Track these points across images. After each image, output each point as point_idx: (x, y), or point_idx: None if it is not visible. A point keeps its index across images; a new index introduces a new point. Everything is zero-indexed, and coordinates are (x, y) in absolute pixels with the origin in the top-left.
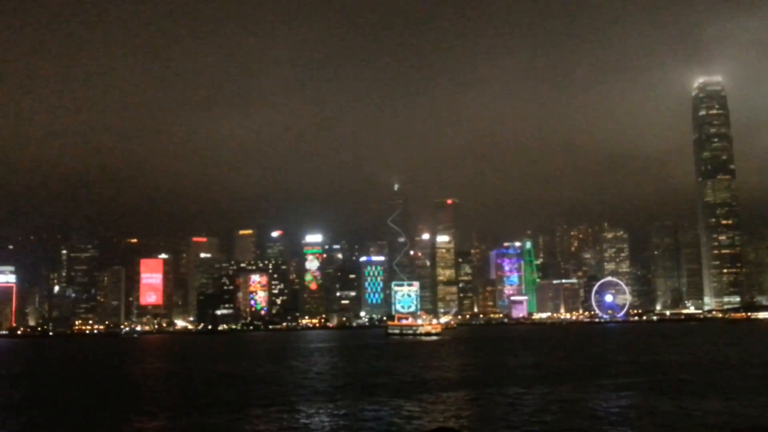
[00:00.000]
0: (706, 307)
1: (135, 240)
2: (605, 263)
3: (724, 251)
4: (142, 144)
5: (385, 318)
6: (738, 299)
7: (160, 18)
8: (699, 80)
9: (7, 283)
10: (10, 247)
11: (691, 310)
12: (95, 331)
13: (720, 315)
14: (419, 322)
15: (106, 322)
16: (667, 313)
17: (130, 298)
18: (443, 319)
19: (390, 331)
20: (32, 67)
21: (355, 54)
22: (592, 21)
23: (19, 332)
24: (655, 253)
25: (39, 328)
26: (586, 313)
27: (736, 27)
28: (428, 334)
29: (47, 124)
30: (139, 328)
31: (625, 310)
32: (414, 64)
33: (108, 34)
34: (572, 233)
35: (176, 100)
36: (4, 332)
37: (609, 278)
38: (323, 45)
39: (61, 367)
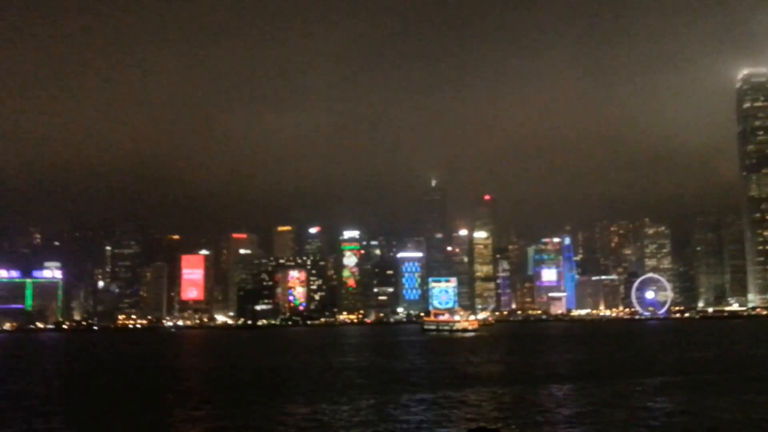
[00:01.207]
0: (750, 304)
1: (177, 236)
2: (646, 259)
3: None
4: (184, 141)
5: (422, 314)
6: None
7: (203, 15)
8: (744, 71)
9: (54, 278)
10: (57, 243)
11: (735, 307)
12: (138, 326)
13: (765, 312)
14: (456, 318)
15: (149, 317)
16: (710, 310)
17: (172, 294)
18: (480, 316)
19: (426, 327)
20: (79, 63)
21: (395, 50)
22: (635, 13)
23: (64, 326)
24: (698, 249)
25: (84, 323)
26: (627, 309)
27: None
28: (465, 330)
29: (93, 122)
30: (180, 322)
31: (666, 307)
32: (454, 59)
33: (153, 31)
34: (612, 229)
35: (218, 98)
36: (50, 326)
37: (650, 274)
38: (364, 42)
39: (105, 361)
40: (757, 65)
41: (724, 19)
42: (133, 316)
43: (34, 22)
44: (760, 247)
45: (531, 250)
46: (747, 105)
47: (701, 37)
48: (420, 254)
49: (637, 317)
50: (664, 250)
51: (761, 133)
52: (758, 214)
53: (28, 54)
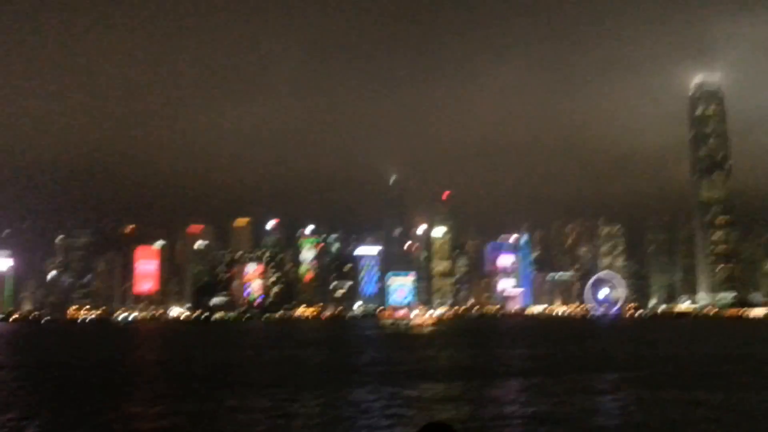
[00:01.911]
0: (701, 303)
1: (131, 227)
2: (601, 258)
3: (718, 247)
4: (140, 132)
5: (381, 308)
6: (732, 295)
7: (163, 7)
8: (697, 79)
9: (3, 268)
10: (7, 231)
11: (686, 305)
12: (89, 318)
13: (713, 312)
14: (413, 314)
15: (101, 309)
16: (659, 310)
17: (125, 286)
18: (438, 311)
19: (382, 322)
20: (31, 53)
21: (356, 46)
22: (595, 18)
23: (12, 318)
24: (651, 249)
25: (34, 314)
26: (581, 307)
27: (736, 27)
28: (422, 325)
29: (46, 111)
30: (133, 315)
31: (619, 305)
32: (415, 57)
33: (115, 19)
34: (568, 227)
35: (176, 90)
36: None
37: (604, 273)
38: (327, 37)
39: (54, 354)
40: (710, 72)
41: (680, 26)
42: (86, 308)
43: None
44: (710, 248)
45: (488, 247)
46: (699, 111)
47: (658, 43)
48: (378, 249)
49: (591, 315)
50: (618, 250)
51: (712, 138)
52: (708, 217)
53: None
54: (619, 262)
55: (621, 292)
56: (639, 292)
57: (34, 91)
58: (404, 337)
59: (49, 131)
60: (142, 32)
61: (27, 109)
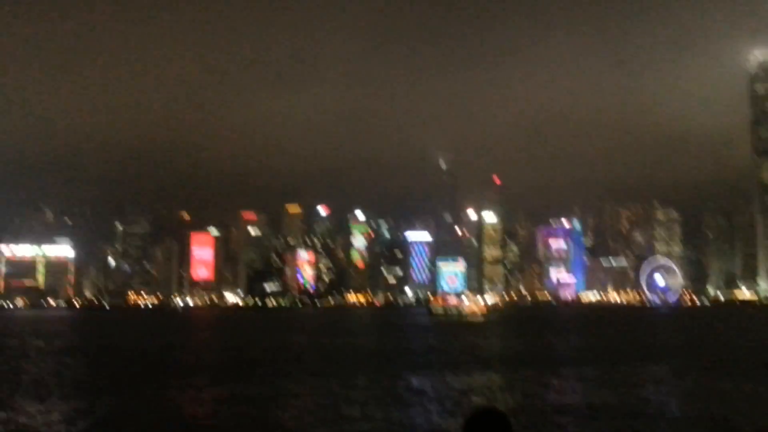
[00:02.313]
0: (761, 290)
1: (186, 215)
2: (656, 243)
3: None
4: (194, 121)
5: (430, 297)
6: None
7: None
8: (757, 56)
9: (65, 256)
10: (68, 220)
11: (745, 293)
12: (148, 304)
13: None
14: (465, 301)
15: (159, 295)
16: (721, 297)
17: (182, 272)
18: (489, 299)
19: (433, 310)
20: (91, 43)
21: (408, 31)
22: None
23: (75, 304)
24: (709, 234)
25: (95, 300)
26: (636, 295)
27: None
28: (473, 314)
29: (103, 100)
30: (190, 301)
31: (676, 292)
32: (464, 40)
33: (165, 11)
34: (622, 212)
35: (231, 78)
36: (61, 303)
37: (660, 260)
38: (376, 24)
39: (119, 339)
40: None
41: (737, 2)
42: (143, 294)
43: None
44: None
45: (540, 233)
46: (760, 89)
47: (715, 20)
48: (429, 235)
49: (646, 304)
50: (675, 235)
51: None
52: None
53: (48, 33)
54: (676, 248)
55: (678, 279)
56: (697, 279)
57: (92, 80)
58: (456, 325)
59: (107, 120)
60: (196, 24)
61: (85, 98)
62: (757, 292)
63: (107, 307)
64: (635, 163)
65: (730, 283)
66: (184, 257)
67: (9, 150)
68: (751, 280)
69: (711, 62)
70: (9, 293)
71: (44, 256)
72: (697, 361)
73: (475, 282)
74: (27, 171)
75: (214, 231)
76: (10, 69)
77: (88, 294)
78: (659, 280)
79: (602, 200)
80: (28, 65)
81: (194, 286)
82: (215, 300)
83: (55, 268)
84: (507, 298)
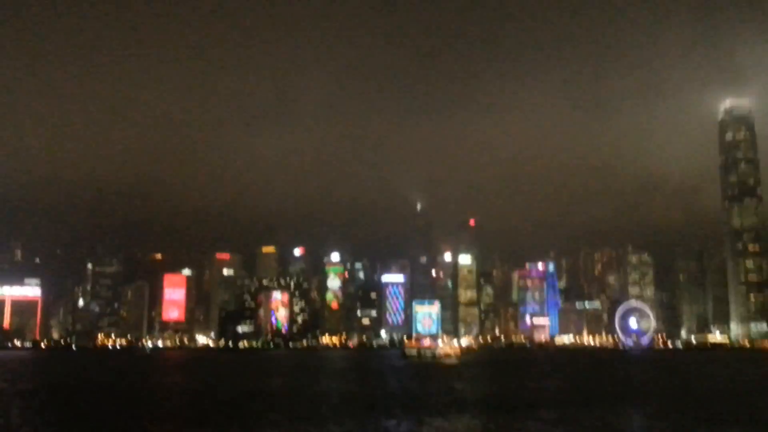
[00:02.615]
0: (733, 334)
1: (159, 255)
2: (629, 287)
3: (750, 277)
4: (169, 160)
5: (405, 338)
6: (765, 326)
7: (194, 35)
8: (726, 103)
9: (33, 296)
10: (37, 260)
11: (717, 336)
12: (117, 346)
13: (748, 344)
14: (438, 343)
15: (128, 337)
16: (693, 340)
17: (153, 313)
18: (464, 341)
19: (407, 352)
20: (65, 78)
21: (382, 76)
22: (623, 44)
23: (42, 345)
24: (681, 277)
25: (62, 341)
26: (610, 338)
27: (765, 51)
28: (447, 356)
29: (77, 137)
30: (160, 343)
31: (649, 335)
32: (441, 85)
33: (143, 49)
34: (596, 256)
35: (203, 118)
36: (28, 345)
37: (633, 303)
38: (353, 66)
39: (81, 380)
40: (739, 97)
41: (709, 51)
42: (112, 336)
43: (27, 34)
44: (742, 278)
45: (515, 276)
46: (729, 137)
47: (686, 68)
48: (404, 277)
49: (620, 346)
50: (647, 279)
51: (743, 164)
52: (740, 245)
53: (22, 69)
54: (649, 291)
55: (651, 322)
56: (669, 322)
57: (66, 118)
58: (430, 367)
59: (79, 159)
60: (169, 61)
61: (59, 135)
62: (728, 336)
63: (74, 348)
64: (609, 208)
65: (703, 327)
66: (155, 298)
67: None
68: (722, 323)
69: (682, 109)
70: None
71: (11, 297)
72: (671, 405)
73: (450, 324)
74: None
75: (186, 272)
76: None
77: (55, 335)
78: (632, 323)
79: (576, 244)
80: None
81: (165, 327)
82: (186, 342)
83: (22, 308)
84: (482, 341)
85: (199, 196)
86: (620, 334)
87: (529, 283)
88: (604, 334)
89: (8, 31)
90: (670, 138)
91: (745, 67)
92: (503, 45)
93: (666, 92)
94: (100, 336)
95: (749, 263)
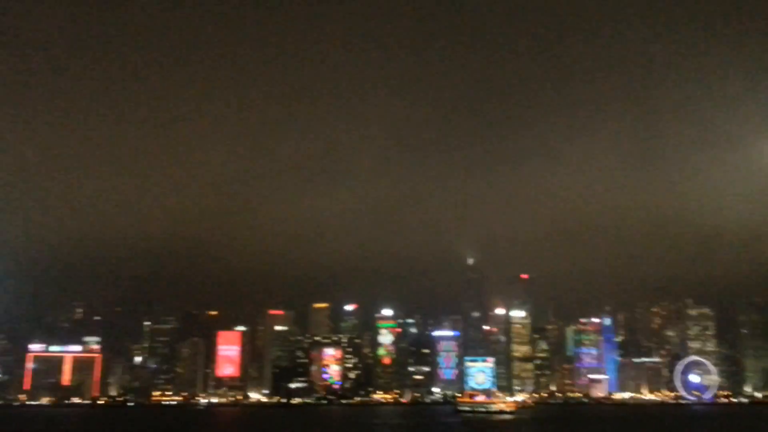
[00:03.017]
0: None
1: (214, 312)
2: (689, 341)
3: None
4: (224, 218)
5: (457, 395)
6: None
7: (247, 97)
8: None
9: (93, 353)
10: (97, 318)
11: None
12: (172, 402)
13: None
14: (493, 399)
15: (184, 393)
16: (760, 395)
17: (207, 370)
18: (519, 397)
19: (460, 408)
20: (124, 140)
21: (434, 132)
22: (676, 95)
23: (100, 402)
24: (743, 331)
25: (119, 398)
26: (671, 393)
27: None
28: (502, 412)
29: (135, 199)
30: (215, 399)
31: (712, 391)
32: (492, 139)
33: (195, 109)
34: (654, 309)
35: (256, 176)
36: (86, 401)
37: (694, 357)
38: (406, 124)
39: None
40: None
41: (763, 98)
42: (168, 392)
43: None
44: None
45: (570, 331)
46: None
47: (742, 116)
48: (456, 333)
49: (682, 401)
50: (708, 332)
51: None
52: None
53: (81, 133)
54: (710, 345)
55: (714, 377)
56: (732, 377)
57: (124, 179)
58: (484, 423)
59: (137, 219)
60: (222, 120)
61: (117, 196)
62: None
63: (130, 405)
64: (666, 261)
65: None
66: (210, 355)
67: (43, 248)
68: None
69: (741, 157)
70: (35, 391)
71: (72, 354)
72: None
73: (504, 380)
74: (60, 269)
75: (240, 328)
76: (42, 166)
77: (113, 392)
78: (694, 378)
79: (633, 297)
80: (60, 163)
81: (219, 383)
82: (240, 398)
83: (82, 365)
84: (537, 396)
85: (253, 254)
86: (681, 390)
87: (584, 337)
88: (664, 389)
89: (72, 85)
90: (729, 187)
91: None
92: (556, 101)
93: (723, 141)
94: (156, 393)
95: None
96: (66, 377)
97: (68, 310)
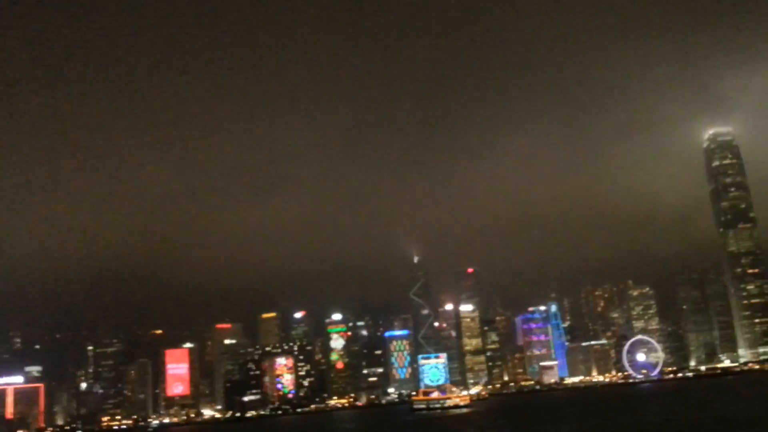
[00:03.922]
0: (741, 360)
1: (159, 331)
2: (633, 321)
3: (753, 301)
4: (162, 235)
5: (412, 393)
6: None
7: (186, 111)
8: (710, 131)
9: (36, 383)
10: (37, 347)
11: (727, 363)
12: (123, 426)
13: (757, 367)
14: (447, 395)
15: (134, 417)
16: (703, 368)
17: (157, 390)
18: (473, 390)
19: (416, 406)
20: (54, 158)
21: (375, 132)
22: (609, 84)
23: None
24: (684, 307)
25: (67, 427)
26: (620, 374)
27: (746, 80)
28: (457, 406)
29: (69, 221)
30: (167, 420)
31: (658, 368)
32: (432, 137)
33: (131, 125)
34: (597, 293)
35: (196, 191)
36: None
37: (639, 337)
38: (343, 129)
39: None
40: (723, 125)
41: (692, 84)
42: (118, 417)
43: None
44: (745, 302)
45: (518, 320)
46: (716, 163)
47: (672, 102)
48: (407, 332)
49: (630, 381)
50: (651, 311)
51: (732, 189)
52: (739, 269)
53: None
54: (653, 324)
55: (659, 354)
56: (677, 353)
57: (57, 199)
58: (440, 419)
59: (72, 241)
60: (157, 135)
61: (51, 219)
62: (737, 361)
63: None
64: (606, 245)
65: (711, 354)
66: (158, 375)
67: None
68: (730, 349)
69: (670, 141)
70: None
71: (14, 386)
72: None
73: (458, 375)
74: None
75: (188, 345)
76: None
77: (60, 421)
78: (641, 357)
79: (577, 283)
80: None
81: (171, 403)
82: (193, 416)
83: (25, 396)
84: (491, 388)
85: (197, 269)
86: (629, 369)
87: (533, 326)
88: (613, 370)
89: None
90: (661, 170)
91: (727, 96)
92: (493, 95)
93: (653, 127)
94: (105, 418)
95: (751, 287)
96: (9, 410)
97: (6, 340)
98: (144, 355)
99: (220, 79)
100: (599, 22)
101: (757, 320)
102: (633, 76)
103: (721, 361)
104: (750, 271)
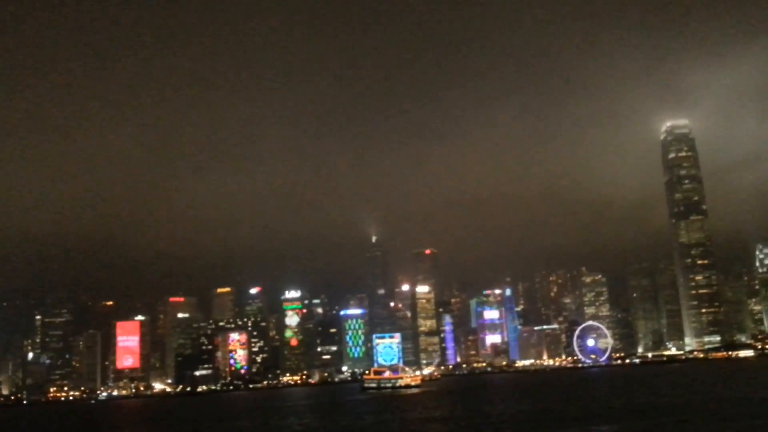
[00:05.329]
0: (687, 348)
1: (111, 302)
2: (585, 307)
3: (701, 291)
4: (118, 205)
5: (366, 372)
6: (718, 338)
7: (150, 80)
8: (667, 124)
9: None
10: None
11: (673, 351)
12: (70, 398)
13: (701, 355)
14: (400, 374)
15: (82, 388)
16: (649, 355)
17: (107, 362)
18: (426, 371)
19: (367, 385)
20: (9, 123)
21: (338, 111)
22: (573, 74)
23: None
24: (634, 295)
25: (12, 397)
26: (569, 358)
27: (704, 75)
28: (408, 386)
29: (19, 186)
30: (115, 392)
31: (607, 353)
32: (395, 118)
33: (95, 90)
34: (551, 279)
35: (154, 162)
36: None
37: (590, 322)
38: (315, 104)
39: None
40: (679, 118)
41: (651, 78)
42: (65, 388)
43: None
44: (693, 292)
45: (473, 303)
46: (672, 155)
47: (631, 95)
48: (363, 311)
49: (580, 365)
50: (602, 298)
51: (687, 181)
52: (689, 260)
53: None
54: (604, 310)
55: (608, 340)
56: (626, 339)
57: (7, 167)
58: (390, 398)
59: (22, 207)
60: (121, 104)
61: (5, 183)
62: (683, 349)
63: (25, 403)
64: (563, 232)
65: (658, 342)
66: (108, 347)
67: None
68: (677, 338)
69: (628, 133)
70: None
71: None
72: (630, 422)
73: (412, 354)
74: None
75: (139, 317)
76: None
77: (5, 391)
78: (590, 342)
79: (532, 268)
80: None
81: (120, 376)
82: (142, 389)
83: None
84: (444, 369)
85: (152, 241)
86: (579, 354)
87: (487, 309)
88: (563, 355)
89: None
90: (618, 161)
91: (686, 90)
92: (457, 78)
93: (613, 118)
94: (53, 389)
95: (699, 278)
96: None
97: None
98: (94, 326)
99: (187, 49)
100: (562, 14)
101: (703, 310)
102: (595, 68)
103: (668, 349)
104: (700, 262)
